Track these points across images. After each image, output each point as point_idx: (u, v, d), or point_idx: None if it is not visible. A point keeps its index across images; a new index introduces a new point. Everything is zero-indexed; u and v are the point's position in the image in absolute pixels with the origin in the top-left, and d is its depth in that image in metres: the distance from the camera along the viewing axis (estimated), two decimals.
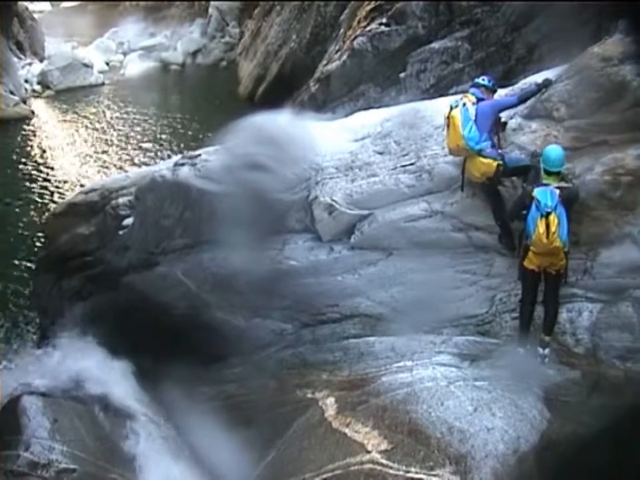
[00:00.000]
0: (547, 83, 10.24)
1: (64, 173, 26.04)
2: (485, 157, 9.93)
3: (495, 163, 9.85)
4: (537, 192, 9.02)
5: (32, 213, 22.39)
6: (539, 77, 10.75)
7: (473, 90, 10.38)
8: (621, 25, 9.69)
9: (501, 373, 9.80)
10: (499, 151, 10.02)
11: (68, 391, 11.47)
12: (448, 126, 10.26)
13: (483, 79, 10.53)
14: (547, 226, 8.88)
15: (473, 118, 9.98)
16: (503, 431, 8.87)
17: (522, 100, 10.23)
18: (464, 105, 10.12)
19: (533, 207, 9.02)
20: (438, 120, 11.16)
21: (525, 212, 9.23)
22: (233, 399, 12.05)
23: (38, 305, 15.80)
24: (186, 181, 12.46)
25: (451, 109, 10.22)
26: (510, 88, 11.25)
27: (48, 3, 59.35)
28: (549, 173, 9.18)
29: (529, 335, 9.71)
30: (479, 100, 10.19)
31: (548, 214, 8.86)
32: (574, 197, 9.21)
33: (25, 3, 43.58)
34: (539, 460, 8.79)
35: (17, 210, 22.83)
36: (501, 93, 10.99)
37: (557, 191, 8.97)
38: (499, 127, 10.29)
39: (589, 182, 9.38)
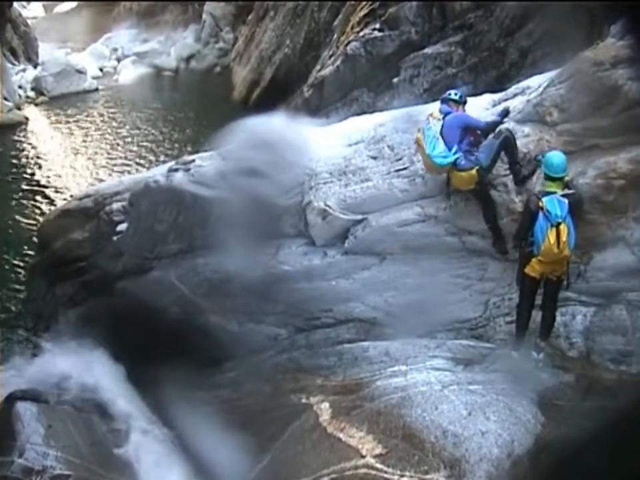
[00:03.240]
0: (505, 113, 10.42)
1: (58, 178, 25.99)
2: (461, 170, 10.05)
3: (474, 171, 9.96)
4: (545, 201, 8.89)
5: (26, 218, 22.34)
6: (531, 81, 10.82)
7: (441, 106, 10.52)
8: (613, 29, 9.74)
9: (494, 377, 9.80)
10: (474, 155, 10.07)
11: (62, 396, 11.46)
12: (419, 150, 10.50)
13: (449, 94, 10.65)
14: (558, 236, 8.79)
15: (437, 135, 10.10)
16: (497, 435, 8.87)
17: (488, 129, 10.25)
18: (427, 124, 10.27)
19: (541, 216, 8.88)
20: None
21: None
22: (228, 404, 12.03)
23: (32, 311, 15.77)
24: (180, 187, 12.48)
25: (418, 131, 10.40)
26: (503, 92, 11.31)
27: (42, 9, 59.22)
28: (552, 179, 9.09)
29: (524, 339, 9.73)
30: (447, 114, 10.31)
31: (558, 224, 8.78)
32: (578, 202, 9.19)
33: (18, 9, 43.47)
34: (533, 463, 8.78)
35: (11, 216, 22.78)
36: (494, 97, 11.05)
37: (566, 200, 8.91)
38: (475, 135, 10.32)
39: (581, 186, 9.39)
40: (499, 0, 18.22)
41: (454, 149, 10.02)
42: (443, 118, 10.26)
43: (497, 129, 10.13)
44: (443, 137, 10.09)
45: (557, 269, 9.18)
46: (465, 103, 10.64)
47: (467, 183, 10.11)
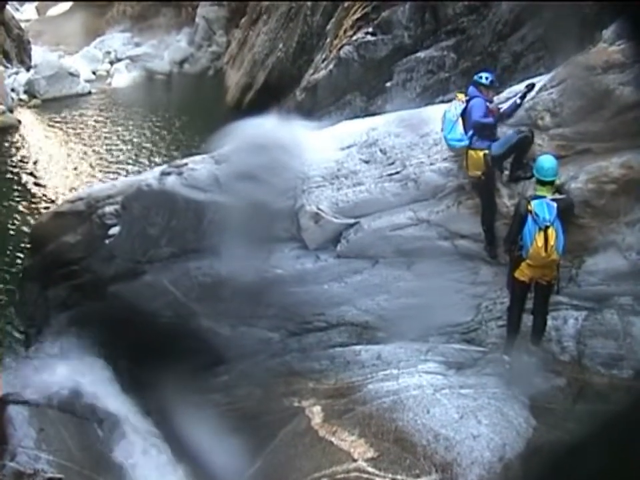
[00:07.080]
0: (500, 116, 10.25)
1: (50, 181, 25.95)
2: (474, 149, 9.99)
3: (482, 153, 9.91)
4: (534, 205, 8.88)
5: (18, 221, 22.30)
6: (523, 86, 10.81)
7: (470, 88, 10.40)
8: (604, 33, 9.75)
9: (486, 381, 9.82)
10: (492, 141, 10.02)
11: (54, 400, 11.43)
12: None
13: (480, 76, 10.44)
14: (546, 240, 8.77)
15: (457, 118, 10.09)
16: (489, 438, 8.88)
17: (476, 126, 10.01)
18: (450, 106, 10.31)
19: (530, 220, 8.87)
20: (423, 129, 11.21)
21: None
22: (220, 407, 12.03)
23: (24, 314, 15.71)
24: (172, 190, 12.46)
25: None
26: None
27: (34, 12, 59.15)
28: (542, 183, 9.08)
29: (515, 343, 9.74)
30: (473, 97, 10.21)
31: (547, 227, 8.77)
32: (569, 207, 9.17)
33: (12, 12, 43.43)
34: (525, 467, 8.79)
35: (3, 219, 22.73)
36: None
37: (555, 204, 8.90)
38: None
39: (573, 190, 9.39)
40: (492, 0, 18.17)
41: (470, 134, 10.01)
42: (467, 101, 10.20)
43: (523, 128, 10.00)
44: (464, 121, 10.09)
45: (547, 273, 9.17)
46: (494, 87, 10.51)
47: (477, 165, 10.00)
